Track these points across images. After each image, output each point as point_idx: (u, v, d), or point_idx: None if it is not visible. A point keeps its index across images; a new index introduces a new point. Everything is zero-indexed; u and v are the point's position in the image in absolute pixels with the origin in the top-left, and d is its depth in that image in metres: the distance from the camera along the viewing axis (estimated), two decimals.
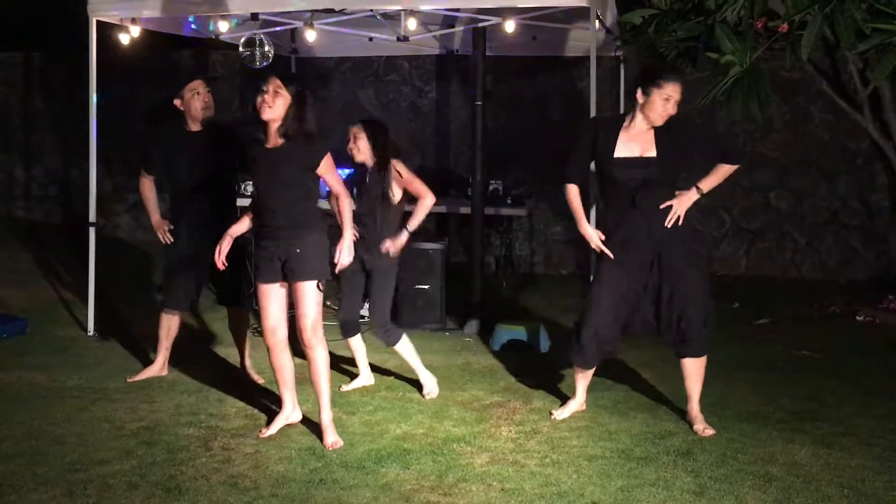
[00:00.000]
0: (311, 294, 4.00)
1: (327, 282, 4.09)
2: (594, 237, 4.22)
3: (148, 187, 5.04)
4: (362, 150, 4.72)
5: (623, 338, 4.41)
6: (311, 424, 4.21)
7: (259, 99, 3.95)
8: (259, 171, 4.08)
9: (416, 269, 6.24)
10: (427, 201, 4.74)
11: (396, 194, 4.72)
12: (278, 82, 3.95)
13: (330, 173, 4.06)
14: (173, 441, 3.98)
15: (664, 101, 4.04)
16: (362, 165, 4.77)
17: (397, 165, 4.72)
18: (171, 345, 5.03)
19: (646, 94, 4.07)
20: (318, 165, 3.99)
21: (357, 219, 4.75)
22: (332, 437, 3.99)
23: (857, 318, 6.75)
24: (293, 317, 4.10)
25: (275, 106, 3.93)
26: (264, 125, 3.99)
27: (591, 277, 4.49)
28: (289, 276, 4.04)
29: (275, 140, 4.00)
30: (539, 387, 4.90)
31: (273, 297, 4.10)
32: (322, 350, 4.05)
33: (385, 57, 8.85)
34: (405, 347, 4.80)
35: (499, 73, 8.38)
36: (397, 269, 4.82)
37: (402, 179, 4.71)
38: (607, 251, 4.18)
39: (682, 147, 4.14)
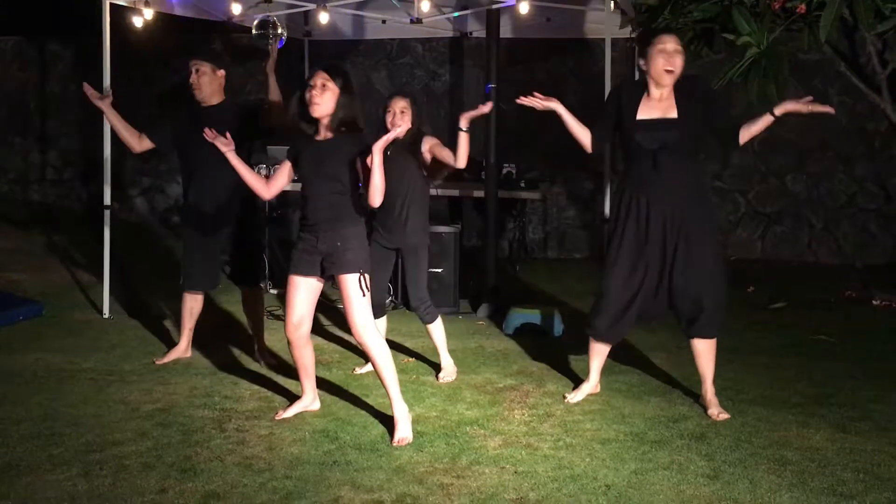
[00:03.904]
0: (354, 287, 3.86)
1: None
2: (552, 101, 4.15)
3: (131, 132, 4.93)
4: (406, 125, 4.52)
5: (638, 322, 4.38)
6: (326, 408, 4.22)
7: (307, 95, 3.78)
8: (304, 165, 3.90)
9: (430, 252, 6.23)
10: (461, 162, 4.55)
11: (424, 171, 4.64)
12: (325, 75, 3.79)
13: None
14: (188, 423, 4.01)
15: (662, 53, 4.03)
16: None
17: (431, 140, 4.61)
18: (195, 325, 5.06)
19: (645, 56, 4.09)
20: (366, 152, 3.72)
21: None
22: (401, 433, 3.81)
23: (874, 302, 6.70)
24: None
25: (323, 102, 3.78)
26: (314, 120, 3.84)
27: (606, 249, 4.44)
28: (329, 270, 3.92)
29: (325, 133, 3.86)
30: (552, 370, 4.90)
31: (304, 290, 3.97)
32: (378, 344, 3.90)
33: (398, 39, 8.81)
34: (437, 329, 4.80)
35: (513, 55, 8.34)
36: (428, 242, 4.74)
37: (437, 150, 4.54)
38: (556, 106, 4.13)
39: (703, 111, 4.09)
